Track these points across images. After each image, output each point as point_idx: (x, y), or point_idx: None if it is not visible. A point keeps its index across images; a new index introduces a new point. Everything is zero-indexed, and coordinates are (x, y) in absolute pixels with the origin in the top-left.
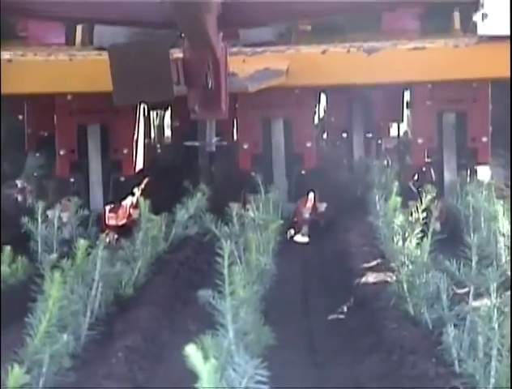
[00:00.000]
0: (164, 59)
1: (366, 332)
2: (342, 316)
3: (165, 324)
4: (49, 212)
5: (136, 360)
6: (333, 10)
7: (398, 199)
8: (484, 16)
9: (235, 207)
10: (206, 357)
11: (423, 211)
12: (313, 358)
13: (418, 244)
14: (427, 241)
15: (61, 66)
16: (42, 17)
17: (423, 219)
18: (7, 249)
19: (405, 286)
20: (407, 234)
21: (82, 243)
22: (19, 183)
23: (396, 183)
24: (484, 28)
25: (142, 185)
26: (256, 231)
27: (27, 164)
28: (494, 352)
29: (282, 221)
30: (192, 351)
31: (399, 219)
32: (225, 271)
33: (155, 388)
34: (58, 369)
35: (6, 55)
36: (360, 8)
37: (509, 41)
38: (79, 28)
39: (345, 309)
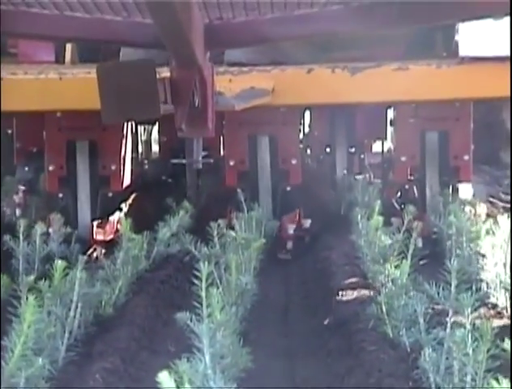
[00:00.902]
0: (151, 78)
1: (345, 354)
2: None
3: (145, 345)
4: (38, 226)
5: (114, 382)
6: (317, 31)
7: (380, 219)
8: (463, 39)
9: (215, 227)
10: (181, 382)
11: (404, 232)
12: (292, 380)
13: (398, 266)
14: (406, 263)
15: (52, 85)
16: (28, 36)
17: (403, 240)
18: None
19: (384, 308)
20: (388, 254)
21: (59, 264)
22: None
23: (379, 202)
24: (465, 50)
25: (130, 201)
26: (238, 250)
27: (15, 178)
28: (468, 378)
29: (264, 240)
30: (165, 377)
31: (380, 239)
32: (203, 294)
33: None
34: None
35: None
36: (345, 28)
37: (489, 62)
38: (69, 47)
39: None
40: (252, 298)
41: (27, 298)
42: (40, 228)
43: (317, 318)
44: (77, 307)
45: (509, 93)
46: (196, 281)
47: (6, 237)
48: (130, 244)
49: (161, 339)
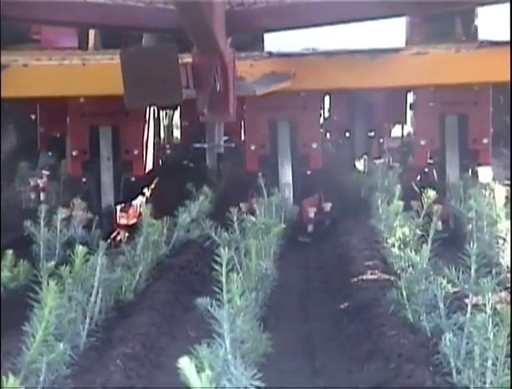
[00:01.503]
0: (173, 64)
1: (365, 339)
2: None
3: (165, 330)
4: (63, 211)
5: (134, 367)
6: (337, 17)
7: (400, 203)
8: (482, 23)
9: (235, 212)
10: (201, 368)
11: (424, 216)
12: (312, 365)
13: (418, 250)
14: (426, 248)
15: (75, 70)
16: (51, 22)
17: (423, 225)
18: (9, 253)
19: (404, 292)
20: (407, 239)
21: (80, 250)
22: (31, 181)
23: (399, 186)
24: (484, 34)
25: (152, 185)
26: (257, 235)
27: (39, 162)
28: (489, 362)
29: (284, 225)
30: (185, 363)
31: (400, 224)
32: (223, 279)
33: None
34: (56, 377)
35: (20, 60)
36: (364, 15)
37: (508, 46)
38: (92, 33)
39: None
40: (272, 283)
41: (48, 284)
42: (61, 213)
43: (337, 303)
44: (98, 293)
45: None
46: (216, 267)
47: (27, 223)
48: (150, 229)
49: (181, 325)
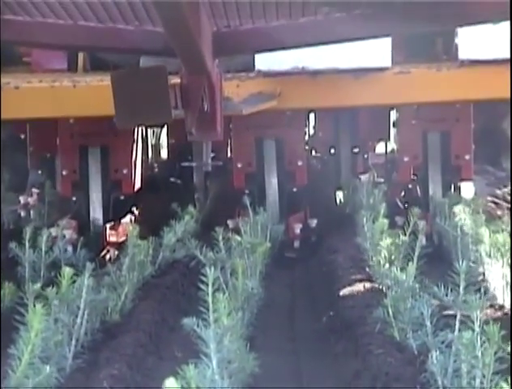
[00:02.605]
0: (162, 84)
1: (352, 358)
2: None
3: (151, 351)
4: (52, 230)
5: None
6: (322, 38)
7: (385, 221)
8: (463, 42)
9: (221, 232)
10: (188, 388)
11: (409, 234)
12: (299, 384)
13: (404, 268)
14: (412, 266)
15: (66, 92)
16: (43, 45)
17: (409, 243)
18: None
19: (390, 311)
20: (393, 257)
21: (67, 271)
22: (22, 199)
23: (384, 205)
24: (464, 53)
25: (141, 204)
26: (243, 255)
27: (29, 180)
28: (477, 381)
29: (269, 244)
30: (171, 384)
31: (386, 242)
32: (209, 299)
33: None
34: None
35: (12, 82)
36: (349, 36)
37: (487, 65)
38: (81, 55)
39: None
40: (258, 303)
41: (34, 306)
42: (46, 234)
43: (324, 322)
44: (84, 314)
45: (508, 95)
46: (202, 286)
47: (12, 245)
48: (136, 250)
49: (168, 345)
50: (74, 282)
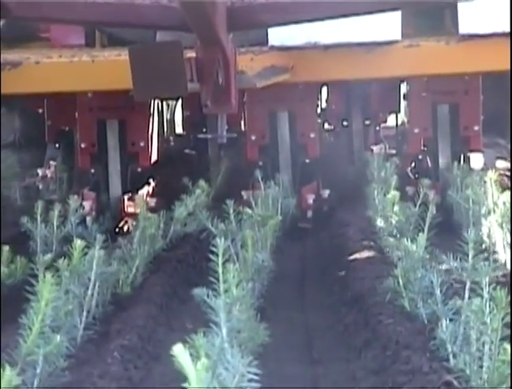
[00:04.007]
0: (178, 58)
1: (362, 328)
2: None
3: (162, 322)
4: (71, 201)
5: (132, 359)
6: (335, 12)
7: (397, 194)
8: (462, 17)
9: (231, 205)
10: (197, 356)
11: (420, 205)
12: (309, 354)
13: (414, 239)
14: (423, 236)
15: (85, 67)
16: (60, 20)
17: (419, 214)
18: (5, 249)
19: (401, 281)
20: (404, 228)
21: (78, 243)
22: (40, 172)
23: (395, 177)
24: (464, 28)
25: (157, 175)
26: (254, 228)
27: (47, 154)
28: (486, 346)
29: (281, 217)
30: (179, 351)
31: (397, 214)
32: (219, 269)
33: (149, 388)
34: (53, 369)
35: (33, 58)
36: (361, 10)
37: (491, 38)
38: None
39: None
40: (269, 275)
41: (42, 278)
42: (56, 209)
43: (335, 293)
44: (95, 286)
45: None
46: (212, 257)
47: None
48: (147, 223)
49: (179, 317)
50: (85, 254)
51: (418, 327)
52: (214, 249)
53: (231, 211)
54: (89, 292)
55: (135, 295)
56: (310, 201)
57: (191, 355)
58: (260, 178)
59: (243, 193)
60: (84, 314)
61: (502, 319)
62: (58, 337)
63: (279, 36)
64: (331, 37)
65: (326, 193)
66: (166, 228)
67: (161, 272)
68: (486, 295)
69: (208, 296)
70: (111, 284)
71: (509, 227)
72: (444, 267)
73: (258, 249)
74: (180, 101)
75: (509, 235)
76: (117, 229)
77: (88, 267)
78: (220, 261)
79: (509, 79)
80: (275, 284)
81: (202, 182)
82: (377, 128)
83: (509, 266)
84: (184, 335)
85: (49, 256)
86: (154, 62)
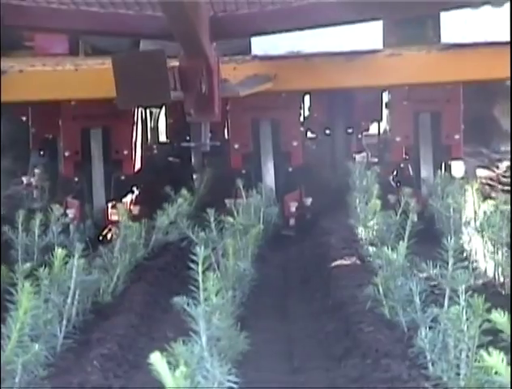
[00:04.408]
0: (162, 67)
1: (342, 336)
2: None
3: (143, 332)
4: (55, 209)
5: (112, 368)
6: (317, 22)
7: (378, 202)
8: (444, 27)
9: (212, 213)
10: (176, 364)
11: (401, 214)
12: (290, 363)
13: (395, 247)
14: (403, 244)
15: (68, 75)
16: (45, 29)
17: (400, 222)
18: None
19: (381, 289)
20: (384, 237)
21: (59, 252)
22: (24, 179)
23: (376, 186)
24: (446, 37)
25: (141, 184)
26: (235, 236)
27: (31, 162)
28: (463, 354)
29: (263, 226)
30: (157, 359)
31: (377, 222)
32: (199, 277)
33: None
34: (32, 378)
35: (16, 66)
36: (342, 19)
37: (474, 47)
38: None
39: None
40: (250, 283)
41: (23, 285)
42: (38, 218)
43: (316, 301)
44: (75, 295)
45: (492, 76)
46: (193, 265)
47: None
48: (128, 231)
49: (160, 326)
50: (66, 263)
51: (397, 334)
52: (194, 257)
53: (212, 219)
54: (69, 300)
55: (116, 304)
56: (293, 209)
57: (170, 363)
58: (242, 187)
59: (226, 201)
60: (64, 322)
61: (479, 326)
62: (37, 346)
63: (261, 45)
64: (313, 46)
65: (308, 201)
66: (148, 236)
67: (142, 281)
68: (463, 302)
69: (188, 304)
70: (92, 293)
71: (489, 236)
72: (424, 275)
73: (239, 257)
74: (163, 109)
75: (489, 243)
76: (100, 237)
77: (68, 276)
78: (200, 269)
79: (491, 88)
80: (257, 292)
81: (184, 191)
82: (360, 136)
83: (490, 274)
84: (165, 343)
85: (28, 265)
86: (137, 71)
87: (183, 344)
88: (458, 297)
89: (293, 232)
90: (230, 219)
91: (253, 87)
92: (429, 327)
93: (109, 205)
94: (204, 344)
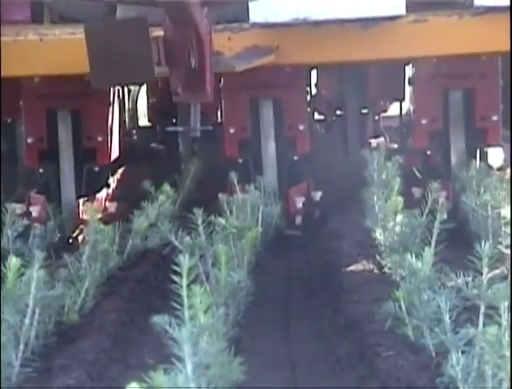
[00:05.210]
0: (143, 38)
1: (356, 362)
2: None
3: (116, 357)
4: (17, 207)
5: None
6: None
7: (400, 199)
8: None
9: (200, 214)
10: None
11: (427, 214)
12: None
13: (419, 254)
14: (429, 251)
15: (32, 47)
16: None
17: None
18: None
19: (403, 305)
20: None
21: (13, 262)
22: None
23: (398, 180)
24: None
25: (118, 176)
26: (228, 241)
27: None
28: (504, 385)
29: (261, 229)
30: None
31: (399, 223)
32: (184, 292)
33: None
34: None
35: None
36: None
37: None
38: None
39: None
40: (246, 298)
41: None
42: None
43: (325, 319)
44: (34, 313)
45: None
46: (175, 278)
47: None
48: (98, 236)
49: (137, 351)
50: (22, 275)
51: (423, 360)
52: (178, 267)
53: (200, 221)
54: (27, 320)
55: (84, 324)
56: (299, 205)
57: None
58: (237, 180)
59: (220, 196)
60: (21, 347)
61: None
62: None
63: (261, 11)
64: (323, 12)
65: (317, 195)
66: (123, 242)
67: (116, 296)
68: (504, 322)
69: (170, 324)
70: (55, 311)
71: None
72: (455, 287)
73: (233, 267)
74: (144, 87)
75: None
76: (70, 240)
77: (26, 291)
78: (185, 282)
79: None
80: (254, 309)
81: (166, 187)
82: (377, 118)
83: None
84: (142, 372)
85: None
86: (115, 42)
87: (164, 372)
88: (499, 315)
89: (299, 231)
90: (222, 220)
91: (251, 61)
92: (462, 352)
93: (81, 201)
94: (190, 373)
